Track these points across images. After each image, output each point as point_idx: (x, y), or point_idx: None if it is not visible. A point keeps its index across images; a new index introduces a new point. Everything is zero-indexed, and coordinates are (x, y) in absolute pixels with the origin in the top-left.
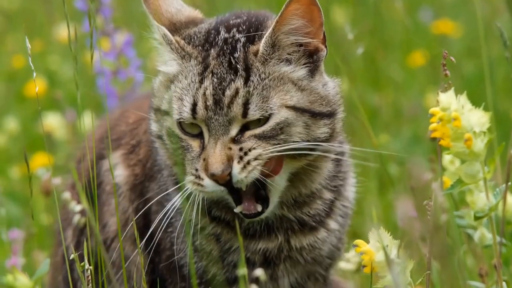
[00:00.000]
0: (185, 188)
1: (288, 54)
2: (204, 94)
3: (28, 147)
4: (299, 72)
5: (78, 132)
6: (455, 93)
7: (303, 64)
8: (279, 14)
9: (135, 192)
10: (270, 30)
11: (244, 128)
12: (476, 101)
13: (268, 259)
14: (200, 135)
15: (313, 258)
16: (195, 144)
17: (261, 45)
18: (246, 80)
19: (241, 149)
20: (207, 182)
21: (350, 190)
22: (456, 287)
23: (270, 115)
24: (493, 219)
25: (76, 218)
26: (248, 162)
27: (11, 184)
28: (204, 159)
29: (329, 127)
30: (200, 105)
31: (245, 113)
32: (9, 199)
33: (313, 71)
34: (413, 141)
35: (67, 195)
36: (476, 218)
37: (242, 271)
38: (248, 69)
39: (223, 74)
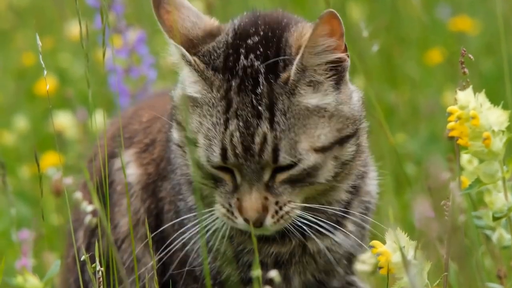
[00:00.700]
0: (212, 213)
1: (317, 75)
2: (232, 141)
3: (38, 146)
4: (327, 97)
5: (90, 131)
6: (473, 91)
7: (330, 79)
8: (307, 39)
9: (147, 192)
10: (299, 56)
11: (275, 170)
12: (494, 99)
13: (280, 263)
14: (230, 170)
15: (326, 261)
16: (227, 178)
17: (292, 73)
18: (271, 121)
19: (277, 203)
20: (240, 221)
21: (372, 184)
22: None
23: (299, 160)
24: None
25: (88, 218)
26: (282, 217)
27: (21, 184)
28: (238, 199)
29: (355, 144)
30: (230, 153)
31: (275, 159)
32: (19, 199)
33: (338, 83)
34: (431, 140)
35: (78, 195)
36: (495, 218)
37: (257, 272)
38: (272, 107)
39: (248, 117)
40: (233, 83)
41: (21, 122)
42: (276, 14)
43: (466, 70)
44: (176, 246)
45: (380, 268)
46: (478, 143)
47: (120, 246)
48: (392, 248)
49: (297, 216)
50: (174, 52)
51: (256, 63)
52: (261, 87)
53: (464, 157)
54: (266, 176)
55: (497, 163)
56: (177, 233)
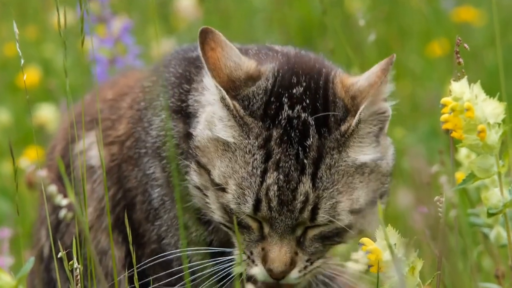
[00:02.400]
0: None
1: (368, 127)
2: (268, 194)
3: (21, 139)
4: (371, 151)
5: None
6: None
7: (375, 131)
8: (374, 89)
9: (111, 178)
10: (362, 107)
11: (306, 226)
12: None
13: None
14: (259, 220)
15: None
16: (254, 226)
17: (353, 124)
18: (314, 176)
19: (308, 260)
20: (259, 270)
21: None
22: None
23: (336, 220)
24: (508, 217)
25: (63, 212)
26: (309, 272)
27: (2, 180)
28: (263, 249)
29: (385, 202)
30: (264, 206)
31: (313, 219)
32: (0, 195)
33: (378, 136)
34: (430, 135)
35: (53, 188)
36: (490, 215)
37: (238, 269)
38: (319, 161)
39: (291, 170)
40: (274, 133)
41: (3, 115)
42: (309, 59)
43: (461, 60)
44: (151, 239)
45: (371, 266)
46: (472, 136)
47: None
48: (382, 245)
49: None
50: (213, 92)
51: (304, 115)
52: (311, 139)
53: (462, 152)
54: (299, 232)
55: (493, 157)
56: (152, 225)
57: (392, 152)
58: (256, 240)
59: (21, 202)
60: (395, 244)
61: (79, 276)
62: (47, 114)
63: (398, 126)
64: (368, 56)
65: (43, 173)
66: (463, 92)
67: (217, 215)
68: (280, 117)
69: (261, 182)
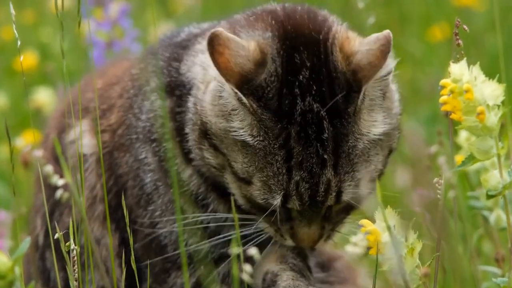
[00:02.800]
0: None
1: (374, 93)
2: (297, 190)
3: (19, 123)
4: (381, 116)
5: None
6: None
7: (380, 91)
8: (371, 75)
9: (103, 163)
10: (363, 89)
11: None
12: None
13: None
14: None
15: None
16: (280, 210)
17: (359, 102)
18: (336, 165)
19: (332, 229)
20: (290, 243)
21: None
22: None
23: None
24: (508, 199)
25: (59, 193)
26: (332, 236)
27: (0, 164)
28: (291, 228)
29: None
30: (294, 200)
31: (338, 200)
32: None
33: (384, 94)
34: (431, 120)
35: (49, 168)
36: (489, 196)
37: (236, 249)
38: (337, 150)
39: (313, 167)
40: (293, 131)
41: (0, 99)
42: (302, 21)
43: (460, 42)
44: (144, 224)
45: (370, 248)
46: (472, 118)
47: (78, 227)
48: (381, 227)
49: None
50: (228, 92)
51: (315, 106)
52: (327, 132)
53: (462, 135)
54: (324, 211)
55: (492, 139)
56: (144, 210)
57: (397, 98)
58: (284, 220)
59: (18, 185)
60: (394, 225)
61: (76, 258)
62: (44, 97)
63: None
64: None
65: (39, 153)
66: (462, 73)
67: (239, 201)
68: (295, 113)
69: (289, 180)
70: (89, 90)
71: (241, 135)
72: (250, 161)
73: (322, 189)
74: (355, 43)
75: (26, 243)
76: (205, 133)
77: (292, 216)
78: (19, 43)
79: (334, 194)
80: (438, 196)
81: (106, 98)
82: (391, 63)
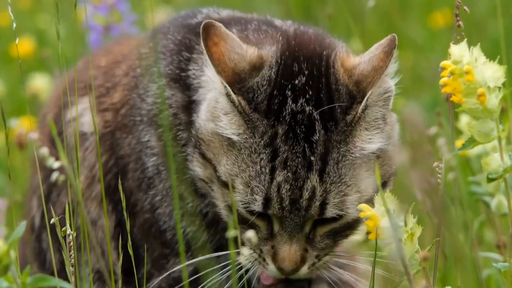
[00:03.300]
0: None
1: (375, 110)
2: (279, 192)
3: (15, 110)
4: (379, 136)
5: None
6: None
7: (382, 111)
8: (374, 80)
9: (104, 144)
10: (366, 97)
11: (316, 222)
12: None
13: None
14: (267, 217)
15: None
16: (262, 224)
17: (359, 112)
18: (322, 172)
19: (317, 256)
20: (272, 268)
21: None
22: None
23: (345, 214)
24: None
25: (55, 175)
26: (318, 267)
27: None
28: (273, 247)
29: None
30: (275, 204)
31: (321, 213)
32: None
33: (385, 117)
34: (432, 106)
35: (44, 150)
36: (489, 180)
37: (233, 232)
38: (326, 156)
39: (298, 168)
40: (280, 130)
41: None
42: (309, 40)
43: (461, 23)
44: (144, 208)
45: (368, 233)
46: (472, 100)
47: (75, 208)
48: (381, 212)
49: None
50: (218, 86)
51: (308, 108)
52: (318, 134)
53: (463, 120)
54: (307, 228)
55: (493, 121)
56: (145, 194)
57: (397, 131)
58: (265, 238)
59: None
60: (393, 210)
61: (72, 243)
62: (40, 84)
63: (400, 97)
64: (368, 25)
65: (34, 135)
66: (463, 55)
67: (223, 213)
68: (284, 113)
69: (271, 181)
70: (92, 67)
71: (228, 133)
72: (234, 162)
73: (306, 195)
74: (355, 59)
75: (21, 227)
76: (196, 141)
77: (274, 232)
78: (14, 25)
79: (318, 203)
80: (439, 180)
81: (110, 76)
82: (391, 83)
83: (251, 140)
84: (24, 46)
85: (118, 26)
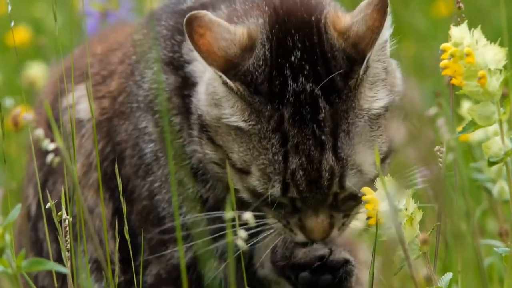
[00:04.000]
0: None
1: (375, 65)
2: (294, 178)
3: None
4: (383, 95)
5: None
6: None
7: (382, 64)
8: (372, 42)
9: (101, 131)
10: (368, 56)
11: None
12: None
13: None
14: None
15: None
16: (285, 201)
17: (360, 75)
18: (335, 147)
19: (344, 216)
20: (301, 237)
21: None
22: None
23: (364, 178)
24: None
25: (49, 157)
26: (347, 225)
27: None
28: (300, 219)
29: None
30: (293, 188)
31: (341, 187)
32: None
33: (386, 67)
34: (435, 95)
35: (39, 132)
36: (490, 163)
37: (229, 214)
38: (336, 129)
39: (311, 150)
40: (286, 113)
41: None
42: (295, 5)
43: (461, 4)
44: (142, 195)
45: (369, 218)
46: (472, 83)
47: (72, 196)
48: (381, 196)
49: None
50: (213, 76)
51: (309, 86)
52: (323, 111)
53: (465, 106)
54: (330, 199)
55: (493, 104)
56: (143, 180)
57: (399, 77)
58: (291, 212)
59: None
60: (393, 194)
61: (68, 228)
62: (37, 72)
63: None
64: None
65: (29, 116)
66: (463, 37)
67: (244, 196)
68: (288, 94)
69: (285, 168)
70: (87, 55)
71: (234, 121)
72: (246, 149)
73: (326, 176)
74: (346, 18)
75: (16, 210)
76: (202, 126)
77: (297, 206)
78: (9, 8)
79: (336, 180)
80: (440, 164)
81: (106, 64)
82: (386, 34)
83: (259, 125)
84: (20, 34)
85: (115, 13)
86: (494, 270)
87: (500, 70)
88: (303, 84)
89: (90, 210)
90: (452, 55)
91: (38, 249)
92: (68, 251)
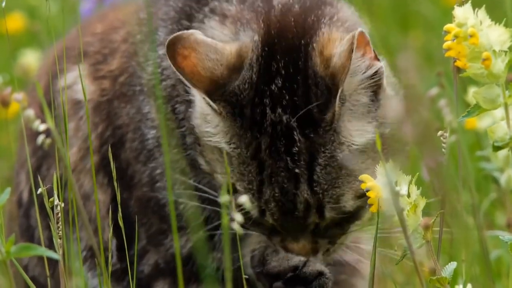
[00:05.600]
0: None
1: (358, 96)
2: (268, 206)
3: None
4: (368, 129)
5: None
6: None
7: (369, 95)
8: (343, 76)
9: (100, 114)
10: (340, 90)
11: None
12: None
13: None
14: None
15: None
16: (265, 222)
17: (336, 108)
18: (311, 181)
19: (330, 242)
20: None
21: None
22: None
23: (342, 211)
24: None
25: (40, 138)
26: (333, 250)
27: None
28: (281, 241)
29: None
30: (268, 215)
31: (321, 217)
32: None
33: (377, 93)
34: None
35: (30, 112)
36: (495, 148)
37: (225, 198)
38: (312, 163)
39: (284, 183)
40: (263, 143)
41: None
42: (289, 24)
43: None
44: (143, 181)
45: (370, 205)
46: (477, 65)
47: (66, 181)
48: (383, 182)
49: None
50: (200, 100)
51: (285, 117)
52: (298, 144)
53: (471, 92)
54: (311, 227)
55: (498, 87)
56: (144, 166)
57: (395, 105)
58: (274, 232)
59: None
60: (395, 181)
61: (59, 214)
62: (31, 60)
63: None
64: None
65: (19, 96)
66: (467, 17)
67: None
68: (265, 124)
69: (259, 196)
70: (87, 34)
71: (217, 141)
72: (231, 169)
73: (301, 208)
74: (336, 44)
75: (5, 194)
76: (196, 138)
77: (278, 230)
78: None
79: (313, 211)
80: (443, 150)
81: (108, 42)
82: (377, 64)
83: (238, 150)
84: (14, 21)
85: None
86: (503, 263)
87: (505, 52)
88: (280, 115)
89: (87, 196)
90: (455, 36)
91: (29, 236)
92: (60, 238)
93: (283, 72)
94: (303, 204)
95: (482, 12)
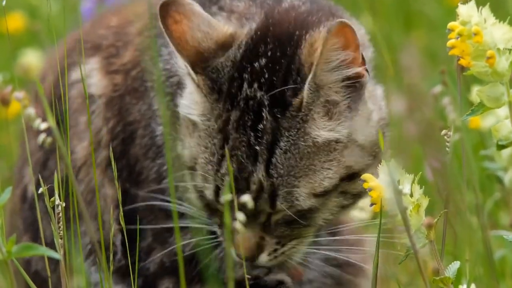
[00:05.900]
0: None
1: (333, 94)
2: (223, 182)
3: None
4: (342, 125)
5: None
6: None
7: (346, 100)
8: (318, 55)
9: (112, 109)
10: (311, 75)
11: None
12: None
13: None
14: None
15: None
16: (220, 207)
17: (305, 95)
18: (268, 163)
19: (278, 243)
20: (233, 253)
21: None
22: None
23: (295, 206)
24: None
25: (41, 137)
26: (281, 254)
27: None
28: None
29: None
30: (223, 194)
31: (272, 206)
32: None
33: (356, 102)
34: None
35: (31, 111)
36: (499, 147)
37: (227, 197)
38: (273, 146)
39: (243, 158)
40: (232, 116)
41: None
42: (288, 18)
43: None
44: (150, 177)
45: (372, 204)
46: (481, 63)
47: (77, 176)
48: (385, 182)
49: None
50: (182, 66)
51: (259, 94)
52: (264, 122)
53: (475, 91)
54: (263, 218)
55: (503, 85)
56: (152, 162)
57: (377, 119)
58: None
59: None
60: (398, 180)
61: (61, 214)
62: (31, 59)
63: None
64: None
65: (20, 94)
66: (471, 15)
67: (194, 201)
68: (239, 97)
69: (217, 171)
70: (102, 27)
71: (190, 113)
72: (195, 144)
73: (253, 188)
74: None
75: (6, 193)
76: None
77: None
78: None
79: (265, 196)
80: (447, 149)
81: (122, 35)
82: (358, 69)
83: (208, 122)
84: (15, 21)
85: None
86: (507, 263)
87: (510, 50)
88: (255, 91)
89: (94, 189)
90: (459, 34)
91: (34, 230)
92: (61, 238)
93: (269, 53)
94: (256, 185)
95: (486, 10)
